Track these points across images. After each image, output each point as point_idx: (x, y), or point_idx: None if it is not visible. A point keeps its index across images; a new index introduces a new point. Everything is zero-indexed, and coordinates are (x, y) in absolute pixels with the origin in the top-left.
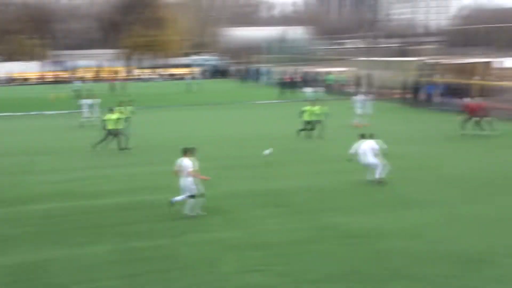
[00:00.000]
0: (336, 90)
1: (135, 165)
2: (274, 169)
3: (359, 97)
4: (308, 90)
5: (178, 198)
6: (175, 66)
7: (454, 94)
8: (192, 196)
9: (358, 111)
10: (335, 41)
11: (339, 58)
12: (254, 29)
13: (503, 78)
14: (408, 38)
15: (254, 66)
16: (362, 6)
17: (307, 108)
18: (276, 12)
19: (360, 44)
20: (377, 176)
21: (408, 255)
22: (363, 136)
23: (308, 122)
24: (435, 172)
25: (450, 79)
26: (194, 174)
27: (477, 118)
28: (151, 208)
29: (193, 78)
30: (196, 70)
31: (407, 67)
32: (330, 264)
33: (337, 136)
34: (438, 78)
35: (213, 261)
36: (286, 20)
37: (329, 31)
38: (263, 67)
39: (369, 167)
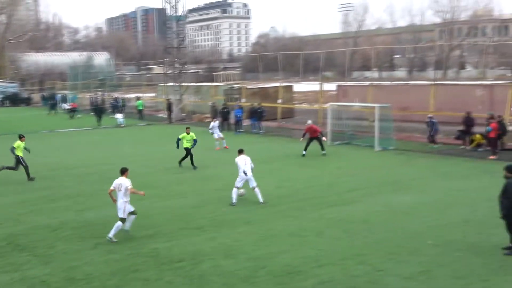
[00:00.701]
0: (146, 116)
1: None
2: (89, 199)
3: (216, 123)
4: (119, 116)
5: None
6: None
7: (259, 117)
8: (122, 220)
9: (216, 136)
10: (142, 67)
11: (147, 84)
12: (57, 54)
13: (303, 100)
14: (214, 64)
15: (59, 93)
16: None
17: (183, 135)
18: (80, 36)
19: (167, 70)
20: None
21: (228, 274)
22: (240, 152)
23: (186, 150)
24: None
25: (256, 102)
26: (133, 191)
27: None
28: None
29: None
30: None
31: (214, 92)
32: None
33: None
34: (244, 102)
35: None
36: (90, 45)
37: (135, 57)
38: (69, 94)
39: (249, 180)
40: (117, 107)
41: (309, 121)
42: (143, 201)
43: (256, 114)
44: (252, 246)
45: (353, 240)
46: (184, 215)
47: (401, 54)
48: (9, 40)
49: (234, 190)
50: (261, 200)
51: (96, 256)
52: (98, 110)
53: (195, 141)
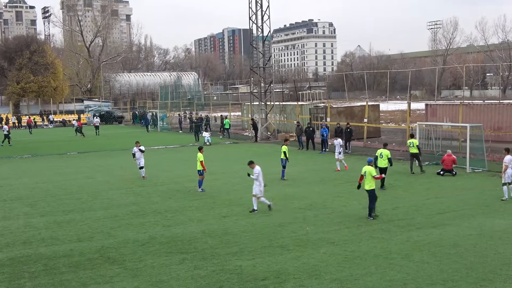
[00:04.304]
0: (232, 134)
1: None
2: (176, 215)
3: (339, 141)
4: (206, 134)
5: None
6: (67, 112)
7: (347, 137)
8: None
9: (336, 155)
10: (228, 86)
11: (233, 103)
12: (148, 74)
13: (390, 120)
14: (299, 83)
15: (150, 111)
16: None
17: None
18: (169, 57)
19: (253, 89)
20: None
21: None
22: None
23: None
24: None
25: (341, 121)
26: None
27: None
28: (43, 259)
29: (96, 124)
30: (89, 116)
31: (300, 111)
32: None
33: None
34: (330, 122)
35: None
36: (179, 65)
37: (222, 76)
38: (159, 113)
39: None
40: (205, 126)
41: (449, 150)
42: (228, 218)
43: (344, 134)
44: (337, 267)
45: (442, 264)
46: (268, 233)
47: (494, 72)
48: (104, 61)
49: (263, 199)
50: (255, 207)
51: (183, 271)
52: (196, 127)
53: (389, 160)
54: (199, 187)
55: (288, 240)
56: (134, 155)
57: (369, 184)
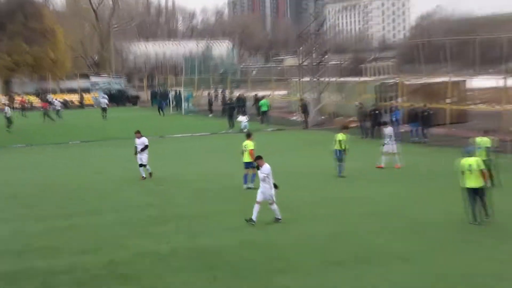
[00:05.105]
0: (276, 118)
1: None
2: (205, 221)
3: (390, 129)
4: (242, 119)
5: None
6: (70, 91)
7: (425, 122)
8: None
9: (385, 148)
10: (271, 58)
11: (277, 79)
12: (170, 43)
13: (480, 100)
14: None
15: (172, 90)
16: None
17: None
18: (196, 22)
19: (302, 61)
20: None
21: None
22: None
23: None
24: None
25: (417, 102)
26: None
27: None
28: None
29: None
30: (97, 95)
31: (362, 89)
32: None
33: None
34: (402, 102)
35: None
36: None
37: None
38: (183, 92)
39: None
40: (240, 108)
41: None
42: (271, 225)
43: (420, 118)
44: None
45: None
46: (321, 246)
47: None
48: (115, 27)
49: (274, 206)
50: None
51: None
52: (230, 110)
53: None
54: (246, 183)
55: (346, 255)
56: (136, 149)
57: (477, 181)
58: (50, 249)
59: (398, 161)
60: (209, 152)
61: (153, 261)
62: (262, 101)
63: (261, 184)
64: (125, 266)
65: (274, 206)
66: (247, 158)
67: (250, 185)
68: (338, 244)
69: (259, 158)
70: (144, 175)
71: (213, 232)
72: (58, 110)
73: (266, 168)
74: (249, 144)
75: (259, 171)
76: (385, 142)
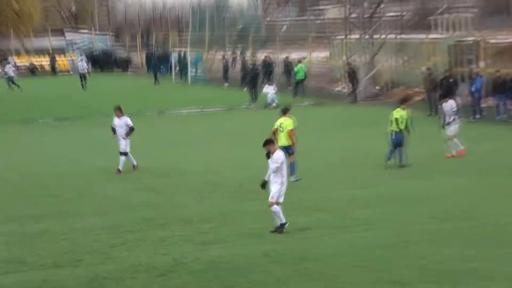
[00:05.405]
0: (312, 89)
1: None
2: (215, 225)
3: (450, 104)
4: (269, 90)
5: None
6: (38, 52)
7: (511, 94)
8: None
9: (448, 131)
10: (307, 9)
11: (315, 37)
12: None
13: None
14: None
15: (173, 51)
16: None
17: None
18: None
19: (350, 12)
20: None
21: None
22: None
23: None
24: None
25: (505, 68)
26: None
27: None
28: None
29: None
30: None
31: (431, 50)
32: None
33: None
34: (485, 68)
35: None
36: None
37: None
38: (189, 54)
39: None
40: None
41: None
42: (307, 232)
43: (509, 89)
44: None
45: None
46: (373, 259)
47: None
48: None
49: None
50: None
51: None
52: (252, 79)
53: None
54: (292, 175)
55: (409, 270)
56: (114, 130)
57: None
58: (15, 262)
59: (460, 145)
60: (224, 134)
61: (148, 278)
62: (298, 66)
63: (273, 177)
64: (112, 283)
65: (278, 208)
66: (284, 141)
67: (295, 178)
68: (396, 257)
69: (268, 142)
70: (121, 168)
71: (227, 240)
72: (10, 77)
73: (278, 156)
74: (287, 123)
75: (269, 160)
76: (448, 120)
